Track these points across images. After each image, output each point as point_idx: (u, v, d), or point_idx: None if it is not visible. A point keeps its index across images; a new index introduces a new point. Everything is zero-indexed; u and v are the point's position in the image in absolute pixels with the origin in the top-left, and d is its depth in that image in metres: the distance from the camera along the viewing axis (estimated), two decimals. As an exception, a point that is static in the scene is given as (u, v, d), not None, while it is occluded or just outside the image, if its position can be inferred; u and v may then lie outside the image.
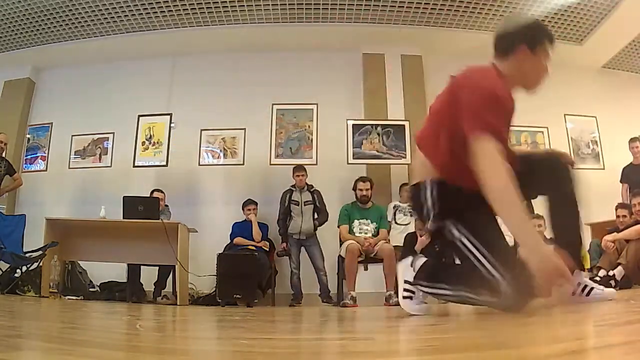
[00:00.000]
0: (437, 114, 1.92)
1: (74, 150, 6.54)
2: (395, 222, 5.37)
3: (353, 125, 6.15)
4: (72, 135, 6.55)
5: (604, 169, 6.50)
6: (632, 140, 5.50)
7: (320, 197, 5.29)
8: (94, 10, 5.74)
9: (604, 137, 6.66)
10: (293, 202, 5.21)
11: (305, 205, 5.21)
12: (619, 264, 4.19)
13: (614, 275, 4.15)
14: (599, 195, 6.03)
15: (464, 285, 1.79)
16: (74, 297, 4.81)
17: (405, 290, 2.05)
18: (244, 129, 6.34)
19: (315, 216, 5.22)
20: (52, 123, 6.65)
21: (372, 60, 6.48)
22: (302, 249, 5.22)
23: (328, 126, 6.26)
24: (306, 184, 5.31)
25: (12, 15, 5.77)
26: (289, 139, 6.22)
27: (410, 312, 2.05)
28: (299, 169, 5.32)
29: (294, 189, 5.32)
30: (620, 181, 5.57)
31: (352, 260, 4.53)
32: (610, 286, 4.08)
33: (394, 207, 5.46)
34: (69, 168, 6.49)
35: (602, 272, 4.27)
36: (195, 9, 5.75)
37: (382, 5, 5.78)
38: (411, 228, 5.37)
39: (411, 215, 5.54)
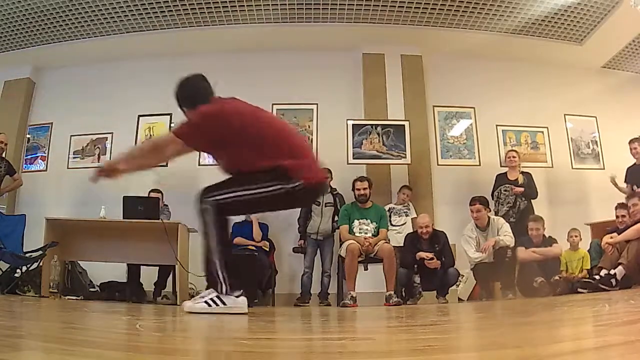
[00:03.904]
0: None
1: (72, 150, 6.54)
2: (391, 224, 5.36)
3: (353, 125, 6.14)
4: (71, 136, 6.55)
5: (604, 169, 6.50)
6: (632, 141, 5.46)
7: (342, 200, 5.31)
8: (94, 10, 5.74)
9: (604, 137, 6.66)
10: (315, 202, 5.22)
11: (326, 206, 5.23)
12: (620, 263, 4.19)
13: (614, 274, 4.15)
14: (599, 195, 6.06)
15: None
16: (74, 297, 4.80)
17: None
18: (244, 128, 6.33)
19: (335, 218, 5.22)
20: (52, 123, 6.65)
21: (372, 60, 6.47)
22: (318, 250, 5.24)
23: (328, 126, 6.26)
24: (330, 186, 5.29)
25: (12, 15, 5.77)
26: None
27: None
28: (325, 171, 5.28)
29: None
30: (625, 181, 5.54)
31: (352, 260, 4.53)
32: (611, 285, 4.10)
33: (389, 210, 5.44)
34: (68, 168, 6.49)
35: (603, 272, 4.26)
36: (195, 9, 5.75)
37: (382, 5, 5.78)
38: (408, 228, 5.37)
39: (406, 216, 5.55)
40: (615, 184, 5.44)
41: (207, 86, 2.71)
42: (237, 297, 2.44)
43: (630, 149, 5.42)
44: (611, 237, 4.48)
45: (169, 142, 2.58)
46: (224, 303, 2.39)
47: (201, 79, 2.75)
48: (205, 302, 2.40)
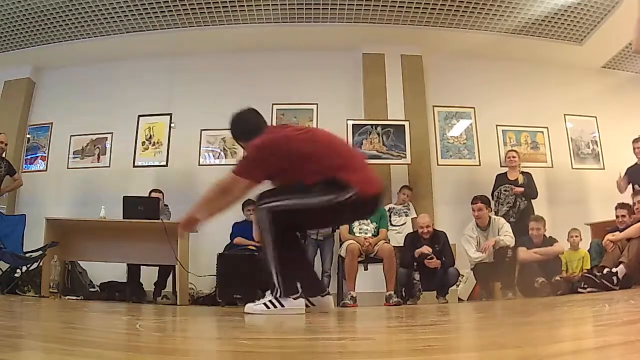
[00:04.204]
0: None
1: (72, 150, 6.54)
2: (391, 224, 5.36)
3: (353, 125, 6.14)
4: (71, 136, 6.55)
5: (604, 169, 6.50)
6: (636, 140, 5.40)
7: None
8: (94, 10, 5.74)
9: (604, 137, 6.66)
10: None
11: None
12: (621, 262, 4.19)
13: (616, 272, 4.16)
14: (599, 195, 6.06)
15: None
16: (74, 297, 4.80)
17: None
18: (244, 129, 6.33)
19: None
20: (52, 123, 6.65)
21: (372, 60, 6.47)
22: (318, 250, 5.23)
23: (328, 126, 6.21)
24: None
25: (12, 15, 5.77)
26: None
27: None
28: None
29: None
30: (628, 180, 5.48)
31: (352, 260, 4.53)
32: (612, 282, 4.10)
33: (388, 210, 5.44)
34: (68, 168, 6.49)
35: (605, 270, 4.26)
36: (195, 9, 5.75)
37: (382, 5, 5.78)
38: (408, 228, 5.37)
39: (406, 216, 5.54)
40: (619, 186, 5.38)
41: (258, 118, 2.83)
42: (294, 299, 2.53)
43: (634, 149, 5.39)
44: (613, 235, 4.49)
45: (233, 182, 2.63)
46: (282, 305, 2.49)
47: (252, 112, 2.85)
48: (264, 304, 2.52)
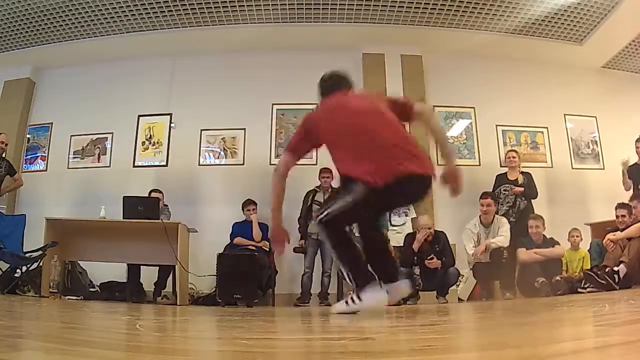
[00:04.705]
0: None
1: (72, 150, 6.54)
2: (391, 224, 5.36)
3: (353, 125, 6.13)
4: (71, 136, 6.55)
5: (603, 169, 6.50)
6: (638, 140, 5.36)
7: None
8: (94, 10, 5.74)
9: (604, 137, 6.65)
10: (316, 202, 5.21)
11: None
12: (622, 261, 4.19)
13: (618, 271, 4.15)
14: (599, 195, 6.05)
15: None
16: (74, 297, 4.80)
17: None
18: (244, 129, 6.34)
19: None
20: (52, 123, 6.65)
21: (372, 60, 6.47)
22: (318, 250, 5.23)
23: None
24: (331, 186, 5.27)
25: (12, 15, 5.77)
26: (289, 139, 6.22)
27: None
28: (325, 170, 5.26)
29: (318, 189, 5.33)
30: (628, 178, 5.46)
31: (352, 260, 4.52)
32: (614, 281, 4.10)
33: None
34: (68, 168, 6.49)
35: (607, 269, 4.26)
36: (195, 9, 5.75)
37: (382, 5, 5.78)
38: (408, 229, 5.36)
39: (406, 215, 5.54)
40: (624, 173, 5.35)
41: (333, 83, 2.82)
42: (373, 292, 2.50)
43: (636, 148, 5.37)
44: (614, 235, 4.49)
45: (288, 163, 2.64)
46: (360, 299, 2.47)
47: (331, 77, 2.86)
48: (345, 301, 2.54)
